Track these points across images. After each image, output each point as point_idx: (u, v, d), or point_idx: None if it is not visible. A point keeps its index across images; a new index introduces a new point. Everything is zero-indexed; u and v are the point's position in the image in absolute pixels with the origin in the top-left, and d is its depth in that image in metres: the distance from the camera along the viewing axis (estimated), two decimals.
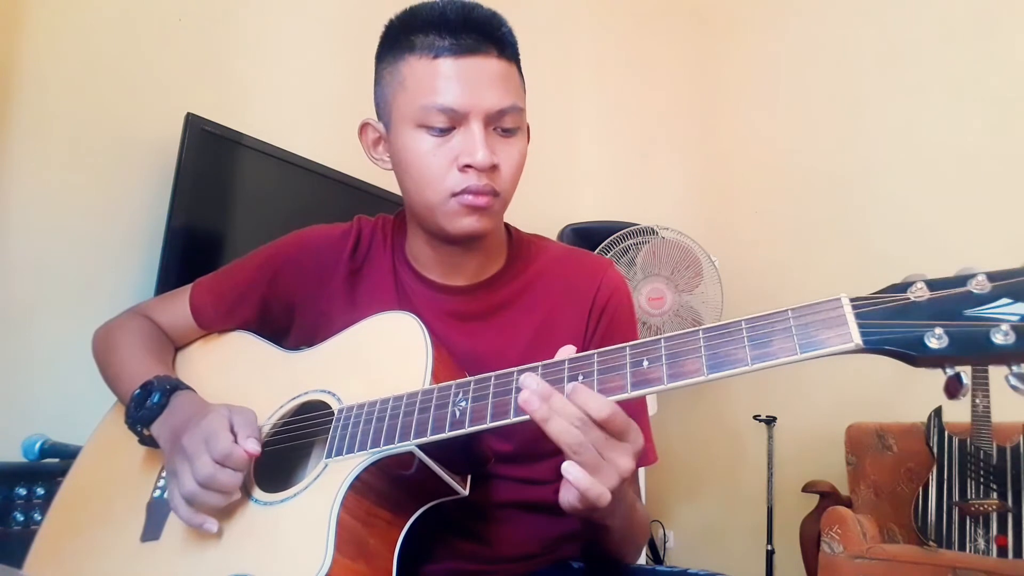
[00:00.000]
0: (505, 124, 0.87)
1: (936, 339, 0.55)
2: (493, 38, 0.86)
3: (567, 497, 0.69)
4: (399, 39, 0.88)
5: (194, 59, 1.80)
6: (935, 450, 2.10)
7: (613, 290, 0.98)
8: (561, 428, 0.66)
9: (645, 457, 0.95)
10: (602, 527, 0.78)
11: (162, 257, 1.58)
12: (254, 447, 0.79)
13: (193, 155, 1.61)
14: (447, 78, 0.84)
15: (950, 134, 2.52)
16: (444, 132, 0.86)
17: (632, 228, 2.63)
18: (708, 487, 2.89)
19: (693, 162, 3.12)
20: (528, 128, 0.95)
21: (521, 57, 0.92)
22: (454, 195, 0.86)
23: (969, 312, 0.55)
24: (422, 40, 0.86)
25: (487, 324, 0.96)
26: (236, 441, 0.79)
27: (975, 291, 0.55)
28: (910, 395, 2.19)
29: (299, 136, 1.92)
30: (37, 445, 1.30)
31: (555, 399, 0.67)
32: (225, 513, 0.80)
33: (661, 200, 3.09)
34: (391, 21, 0.91)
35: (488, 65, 0.85)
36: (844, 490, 2.37)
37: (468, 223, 0.88)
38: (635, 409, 0.95)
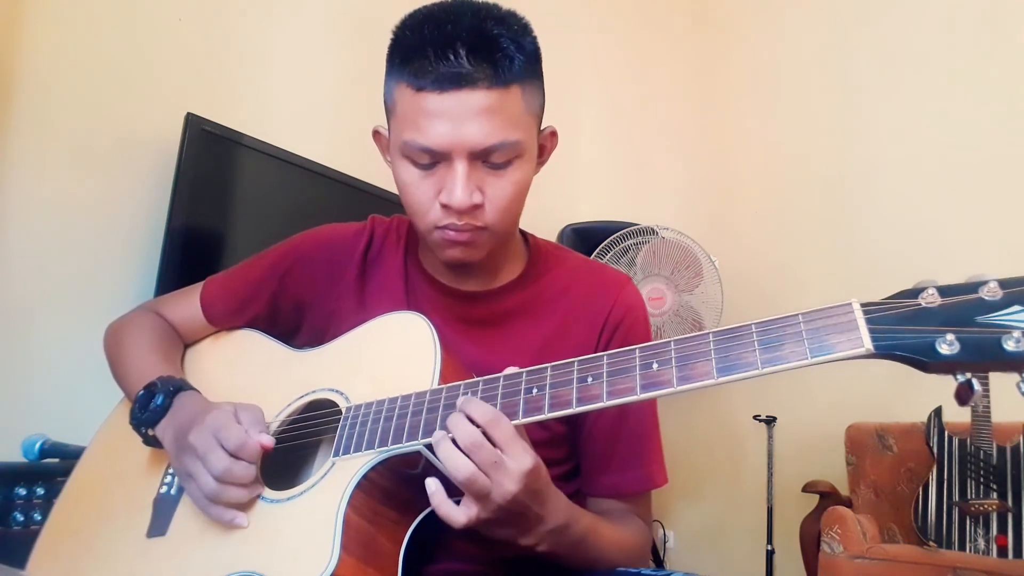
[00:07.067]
0: (493, 160, 0.82)
1: (948, 345, 0.55)
2: (486, 62, 0.79)
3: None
4: (393, 57, 0.84)
5: (194, 59, 1.80)
6: (935, 450, 2.10)
7: (628, 308, 0.96)
8: (456, 460, 0.69)
9: (653, 479, 0.95)
10: (547, 554, 0.80)
11: (162, 257, 1.58)
12: (268, 440, 0.80)
13: (193, 155, 1.61)
14: (428, 116, 0.79)
15: (951, 134, 2.51)
16: (429, 166, 0.83)
17: (632, 228, 2.62)
18: (708, 487, 2.88)
19: (693, 162, 3.11)
20: (545, 142, 0.92)
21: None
22: (437, 228, 0.85)
23: (981, 319, 0.55)
24: (409, 67, 0.80)
25: (494, 332, 0.95)
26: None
27: (987, 298, 0.55)
28: (910, 395, 2.19)
29: (299, 136, 1.92)
30: (37, 445, 1.30)
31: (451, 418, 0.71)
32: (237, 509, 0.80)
33: (661, 200, 3.09)
34: (394, 30, 0.86)
35: (473, 99, 0.78)
36: (844, 490, 2.36)
37: (453, 254, 0.87)
38: (644, 430, 0.95)
